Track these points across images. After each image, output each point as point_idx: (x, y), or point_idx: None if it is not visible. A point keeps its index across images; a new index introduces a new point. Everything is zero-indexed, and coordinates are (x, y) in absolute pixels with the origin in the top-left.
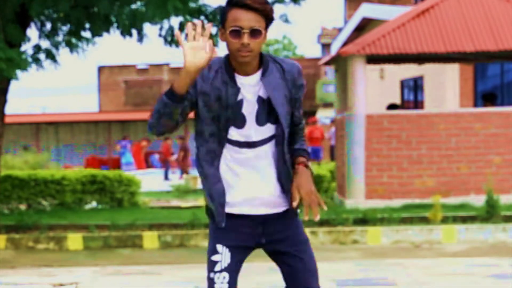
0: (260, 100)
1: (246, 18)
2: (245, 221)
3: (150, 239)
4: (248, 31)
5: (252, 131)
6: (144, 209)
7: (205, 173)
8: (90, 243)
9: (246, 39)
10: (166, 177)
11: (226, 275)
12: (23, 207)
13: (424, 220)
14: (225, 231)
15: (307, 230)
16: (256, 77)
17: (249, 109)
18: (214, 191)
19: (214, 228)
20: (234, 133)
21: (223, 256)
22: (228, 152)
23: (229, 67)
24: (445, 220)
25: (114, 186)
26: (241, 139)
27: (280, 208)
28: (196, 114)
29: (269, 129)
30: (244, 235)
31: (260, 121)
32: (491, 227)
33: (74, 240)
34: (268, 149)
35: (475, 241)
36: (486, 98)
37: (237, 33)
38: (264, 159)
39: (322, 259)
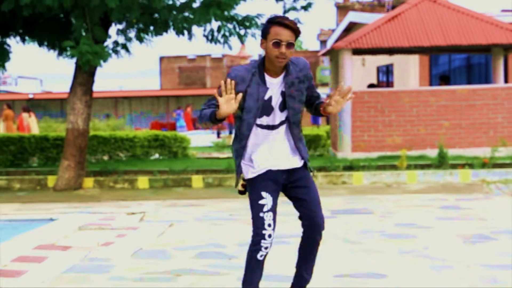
0: (282, 93)
1: (285, 34)
2: (274, 173)
3: (197, 180)
4: (285, 43)
5: (276, 117)
6: (193, 159)
7: (239, 146)
8: (154, 184)
9: (284, 49)
10: (218, 136)
11: (271, 213)
12: (105, 157)
13: (394, 167)
14: (264, 181)
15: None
16: (281, 78)
17: (276, 101)
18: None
19: (257, 181)
20: (263, 119)
21: (268, 200)
22: (255, 133)
23: (262, 70)
24: (409, 167)
25: (171, 143)
26: (267, 123)
27: (294, 165)
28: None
29: (285, 114)
30: (275, 182)
31: (281, 109)
32: (441, 172)
33: (142, 182)
34: (283, 129)
35: (430, 182)
36: (442, 79)
37: (278, 44)
38: (280, 135)
39: (320, 195)
